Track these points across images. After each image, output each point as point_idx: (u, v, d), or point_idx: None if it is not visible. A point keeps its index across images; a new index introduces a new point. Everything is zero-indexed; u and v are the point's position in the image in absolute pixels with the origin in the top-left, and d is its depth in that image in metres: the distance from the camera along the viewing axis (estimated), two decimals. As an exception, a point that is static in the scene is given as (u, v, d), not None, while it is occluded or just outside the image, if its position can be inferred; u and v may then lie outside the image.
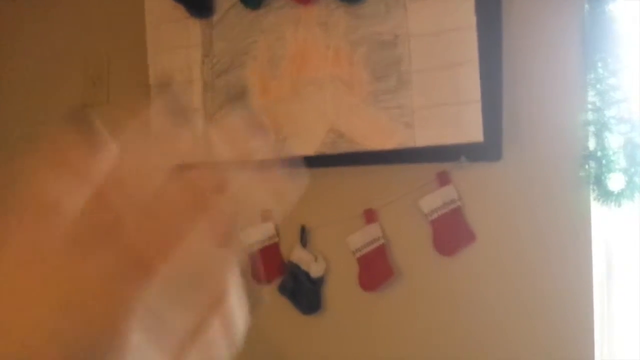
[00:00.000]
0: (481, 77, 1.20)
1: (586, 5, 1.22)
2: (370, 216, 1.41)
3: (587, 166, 1.24)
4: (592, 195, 1.23)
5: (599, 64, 1.24)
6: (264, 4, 1.39)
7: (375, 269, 1.40)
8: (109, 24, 1.77)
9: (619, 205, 1.21)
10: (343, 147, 1.31)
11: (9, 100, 1.98)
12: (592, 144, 1.23)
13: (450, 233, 1.33)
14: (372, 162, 1.39)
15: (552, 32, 1.25)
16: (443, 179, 1.33)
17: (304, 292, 1.49)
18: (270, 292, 1.55)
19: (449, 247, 1.34)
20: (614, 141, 1.22)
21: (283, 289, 1.52)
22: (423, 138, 1.23)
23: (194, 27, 1.47)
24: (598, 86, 1.24)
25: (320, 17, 1.34)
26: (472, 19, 1.20)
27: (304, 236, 1.50)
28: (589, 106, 1.23)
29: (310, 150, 1.35)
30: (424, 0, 1.23)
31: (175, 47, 1.49)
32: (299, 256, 1.49)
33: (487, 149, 1.27)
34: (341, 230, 1.43)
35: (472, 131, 1.19)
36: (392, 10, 1.27)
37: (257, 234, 1.53)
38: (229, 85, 1.45)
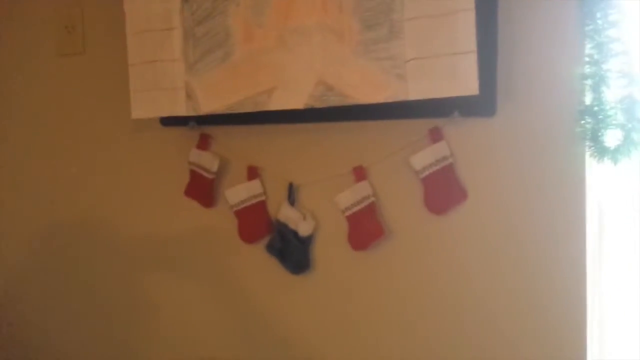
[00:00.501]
0: (476, 29, 1.14)
1: (586, -47, 1.17)
2: (359, 174, 1.37)
3: (583, 121, 1.20)
4: (588, 152, 1.20)
5: (598, 15, 1.19)
6: (248, -54, 1.30)
7: (365, 228, 1.36)
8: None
9: (615, 162, 1.18)
10: (332, 101, 1.25)
11: None
12: (588, 99, 1.19)
13: (442, 191, 1.29)
14: (362, 117, 1.34)
15: (551, -20, 1.19)
16: (435, 135, 1.29)
17: (292, 251, 1.46)
18: (259, 253, 1.52)
19: (440, 206, 1.31)
20: (611, 96, 1.19)
21: (271, 248, 1.48)
22: (416, 91, 1.18)
23: (172, -29, 1.38)
24: (596, 38, 1.19)
25: (307, -38, 1.26)
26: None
27: (291, 194, 1.46)
28: (587, 59, 1.19)
29: (299, 103, 1.29)
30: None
31: (153, -8, 1.40)
32: (286, 214, 1.45)
33: (481, 104, 1.22)
34: (330, 188, 1.39)
35: (468, 83, 1.14)
36: (385, -46, 1.19)
37: (243, 192, 1.49)
38: (210, 34, 1.37)
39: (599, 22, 1.19)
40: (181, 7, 1.38)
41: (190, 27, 1.38)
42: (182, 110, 1.41)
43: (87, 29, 1.72)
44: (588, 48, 1.19)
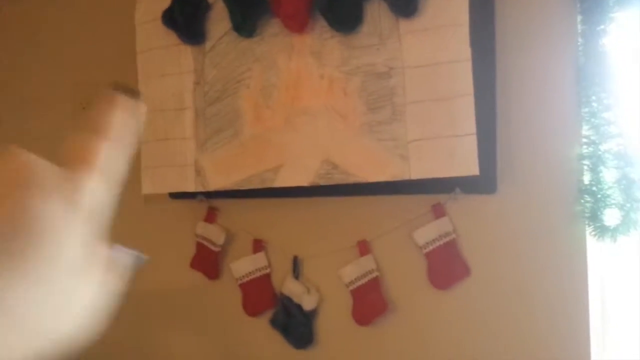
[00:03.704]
0: (475, 110, 1.19)
1: (580, 39, 1.22)
2: (363, 248, 1.39)
3: (582, 201, 1.23)
4: (588, 230, 1.22)
5: (593, 98, 1.24)
6: (257, 32, 1.38)
7: (369, 303, 1.37)
8: (99, 49, 1.75)
9: (615, 241, 1.20)
10: (337, 179, 1.29)
11: (4, 121, 1.95)
12: (587, 179, 1.22)
13: (445, 266, 1.31)
14: (366, 192, 1.37)
15: (546, 66, 1.24)
16: (438, 211, 1.32)
17: (296, 326, 1.46)
18: (262, 327, 1.52)
19: (443, 281, 1.32)
20: (609, 176, 1.22)
21: (275, 322, 1.49)
22: (418, 171, 1.22)
23: (185, 54, 1.45)
24: (593, 120, 1.24)
25: (313, 47, 1.33)
26: (467, 52, 1.19)
27: (296, 267, 1.47)
28: (584, 140, 1.23)
29: (305, 181, 1.33)
30: (419, 32, 1.22)
31: (167, 74, 1.47)
32: (290, 288, 1.46)
33: (482, 182, 1.25)
34: (334, 261, 1.41)
35: (468, 164, 1.17)
36: (387, 41, 1.26)
37: (249, 265, 1.50)
38: (220, 114, 1.43)
39: (595, 105, 1.24)
40: (194, 89, 1.45)
41: (201, 107, 1.44)
42: (191, 187, 1.45)
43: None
44: (585, 130, 1.23)
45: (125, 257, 0.31)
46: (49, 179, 0.26)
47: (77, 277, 0.25)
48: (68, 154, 0.29)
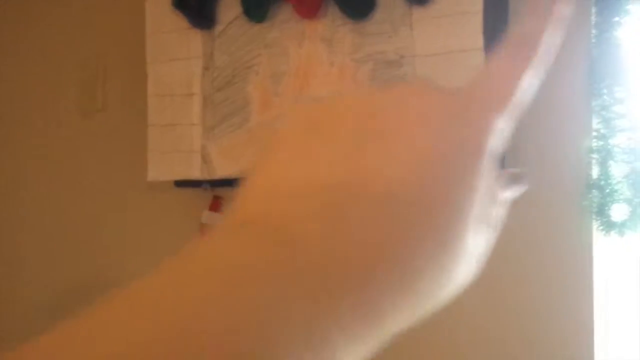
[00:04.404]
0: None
1: (593, 31, 1.22)
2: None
3: (590, 195, 1.22)
4: (595, 225, 1.21)
5: (605, 91, 1.23)
6: (268, 17, 1.37)
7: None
8: (107, 29, 1.74)
9: (622, 236, 1.20)
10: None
11: (3, 103, 1.94)
12: (595, 173, 1.22)
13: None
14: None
15: (558, 57, 1.22)
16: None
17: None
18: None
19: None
20: (618, 170, 1.21)
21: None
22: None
23: (194, 39, 1.44)
24: (603, 113, 1.23)
25: (325, 34, 1.32)
26: (480, 41, 1.18)
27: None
28: (594, 134, 1.22)
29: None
30: (431, 19, 1.21)
31: (175, 58, 1.46)
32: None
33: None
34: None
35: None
36: (398, 28, 1.25)
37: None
38: (228, 100, 1.42)
39: (606, 98, 1.23)
40: (202, 74, 1.44)
41: (210, 93, 1.44)
42: (197, 174, 1.44)
43: (107, 87, 1.78)
44: (595, 123, 1.22)
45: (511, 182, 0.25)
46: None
47: (477, 232, 0.21)
48: (479, 80, 0.23)
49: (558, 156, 1.24)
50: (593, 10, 1.19)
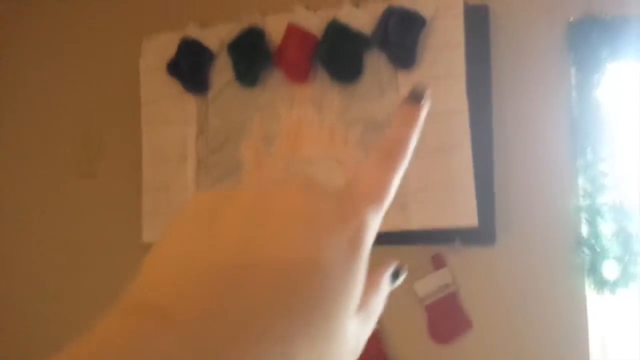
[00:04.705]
0: (473, 162, 1.20)
1: (573, 93, 1.25)
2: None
3: (581, 253, 1.22)
4: (587, 283, 1.21)
5: (589, 150, 1.25)
6: (259, 81, 1.41)
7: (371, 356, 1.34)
8: (103, 95, 1.78)
9: (614, 294, 1.19)
10: (336, 228, 1.29)
11: (6, 165, 1.96)
12: (585, 231, 1.22)
13: (446, 320, 1.29)
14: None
15: (542, 118, 1.27)
16: (438, 262, 1.31)
17: None
18: None
19: (444, 335, 1.29)
20: (606, 228, 1.22)
21: None
22: (418, 220, 1.22)
23: (189, 103, 1.48)
24: (588, 172, 1.25)
25: (314, 97, 1.35)
26: (464, 103, 1.22)
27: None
28: (581, 192, 1.23)
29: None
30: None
31: (170, 122, 1.49)
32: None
33: (481, 234, 1.25)
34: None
35: (467, 215, 1.18)
36: (386, 92, 1.29)
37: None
38: (222, 162, 1.44)
39: (590, 156, 1.25)
40: (197, 137, 1.46)
41: (204, 156, 1.46)
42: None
43: (104, 151, 1.80)
44: (581, 181, 1.23)
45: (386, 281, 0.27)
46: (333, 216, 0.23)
47: (352, 319, 0.22)
48: (356, 181, 0.26)
49: (547, 215, 1.25)
50: (572, 71, 1.24)
